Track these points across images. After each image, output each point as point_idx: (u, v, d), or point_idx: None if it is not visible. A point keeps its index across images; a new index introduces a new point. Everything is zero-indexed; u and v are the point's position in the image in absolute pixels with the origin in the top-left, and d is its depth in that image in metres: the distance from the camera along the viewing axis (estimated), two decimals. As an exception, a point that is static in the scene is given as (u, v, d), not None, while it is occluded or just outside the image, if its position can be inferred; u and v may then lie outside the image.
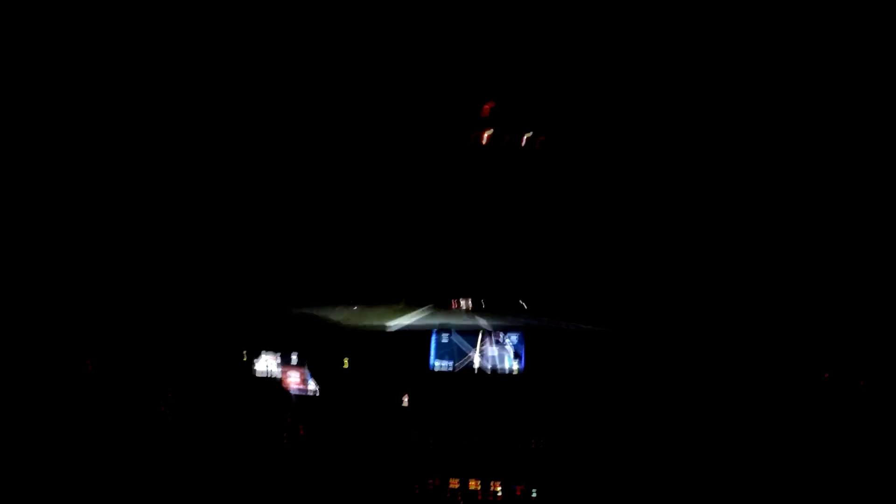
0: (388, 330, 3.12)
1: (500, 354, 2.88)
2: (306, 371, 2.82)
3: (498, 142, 2.29)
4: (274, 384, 2.77)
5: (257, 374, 2.82)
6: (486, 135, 2.23)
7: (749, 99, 2.23)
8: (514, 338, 2.90)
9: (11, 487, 2.06)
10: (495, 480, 2.55)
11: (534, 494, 2.53)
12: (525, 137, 2.26)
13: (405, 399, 2.75)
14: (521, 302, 3.27)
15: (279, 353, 2.85)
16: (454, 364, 2.88)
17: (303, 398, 2.77)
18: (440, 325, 2.97)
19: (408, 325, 3.18)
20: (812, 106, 2.24)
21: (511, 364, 2.86)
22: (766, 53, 2.03)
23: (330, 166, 2.72)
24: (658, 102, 2.21)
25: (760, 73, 2.11)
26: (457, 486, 2.54)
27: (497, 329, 2.93)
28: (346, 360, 2.84)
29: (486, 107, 2.13)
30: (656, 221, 2.80)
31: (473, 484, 2.55)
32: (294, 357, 2.85)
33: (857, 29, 1.98)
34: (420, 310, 3.37)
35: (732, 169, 2.54)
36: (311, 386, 2.80)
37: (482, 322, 3.05)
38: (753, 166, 2.51)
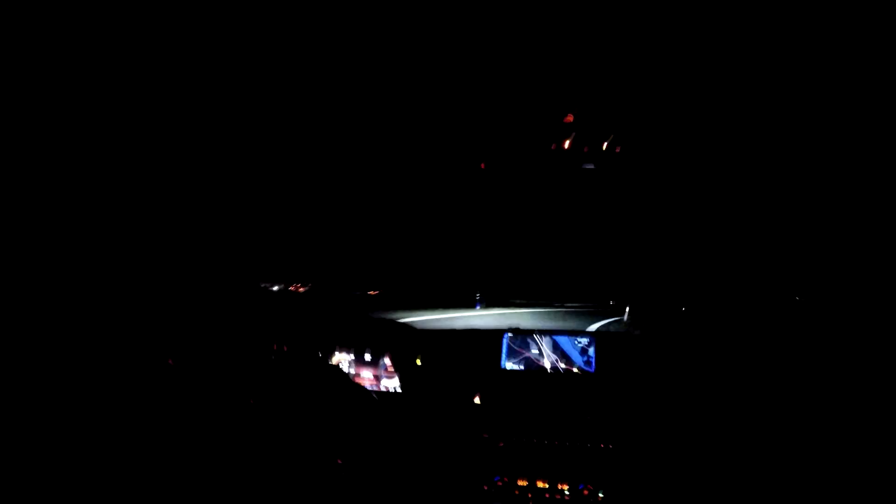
0: (461, 329, 3.18)
1: (571, 356, 2.91)
2: (380, 368, 2.94)
3: (578, 148, 2.27)
4: (348, 381, 2.87)
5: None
6: (567, 142, 2.21)
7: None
8: (584, 340, 2.92)
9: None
10: (563, 481, 2.60)
11: (601, 496, 2.56)
12: (605, 144, 2.24)
13: (476, 398, 2.83)
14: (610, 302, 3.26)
15: (353, 351, 2.98)
16: (525, 365, 2.93)
17: (379, 395, 2.89)
18: (512, 326, 3.01)
19: (480, 326, 3.24)
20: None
21: (582, 366, 2.89)
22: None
23: (408, 167, 2.73)
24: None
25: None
26: (525, 485, 2.61)
27: (568, 331, 2.96)
28: (418, 359, 2.93)
29: (569, 117, 2.11)
30: (740, 230, 2.74)
31: (541, 484, 2.61)
32: (367, 355, 2.97)
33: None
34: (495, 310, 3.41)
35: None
36: (385, 383, 2.92)
37: (554, 324, 3.07)
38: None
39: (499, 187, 2.76)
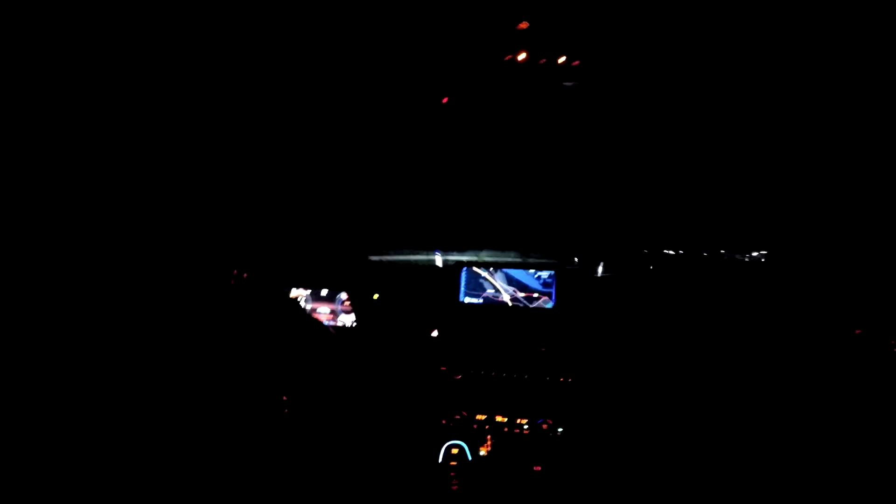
0: (419, 264, 3.10)
1: (530, 290, 2.84)
2: (337, 303, 2.86)
3: (532, 64, 2.12)
4: (306, 316, 2.81)
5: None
6: (520, 56, 2.06)
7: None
8: (545, 274, 2.84)
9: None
10: (522, 416, 2.56)
11: (560, 430, 2.53)
12: (560, 60, 2.08)
13: (434, 332, 2.77)
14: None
15: (309, 286, 2.90)
16: (483, 297, 2.85)
17: (336, 330, 2.83)
18: (470, 260, 2.92)
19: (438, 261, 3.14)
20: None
21: (541, 303, 2.82)
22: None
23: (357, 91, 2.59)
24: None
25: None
26: (483, 419, 2.58)
27: (529, 265, 2.88)
28: (375, 295, 2.86)
29: (522, 25, 1.95)
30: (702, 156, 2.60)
31: (500, 418, 2.57)
32: (324, 291, 2.89)
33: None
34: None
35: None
36: (343, 318, 2.85)
37: (514, 257, 2.98)
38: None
39: (457, 120, 2.63)
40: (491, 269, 2.88)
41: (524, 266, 2.87)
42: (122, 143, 2.62)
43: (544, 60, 2.05)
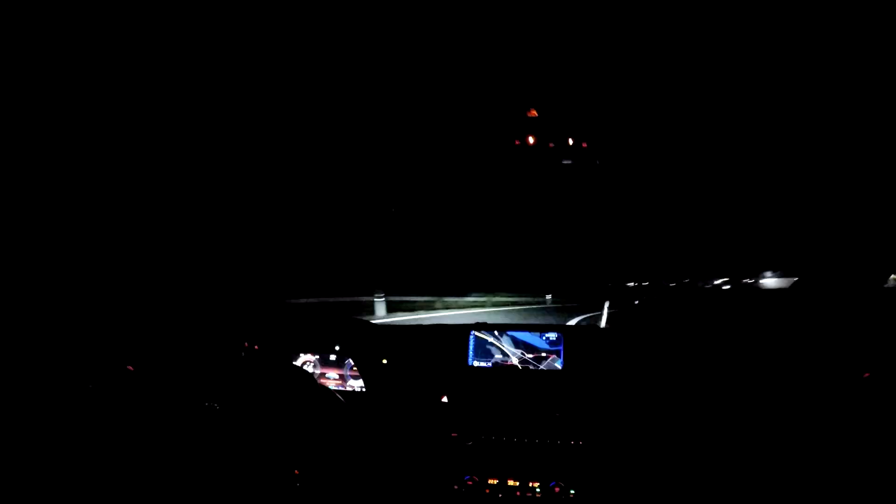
0: (426, 325, 3.14)
1: (538, 353, 2.88)
2: (346, 368, 2.88)
3: (541, 146, 2.23)
4: (313, 382, 2.81)
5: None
6: (530, 139, 2.17)
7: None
8: (553, 336, 2.89)
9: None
10: (533, 479, 2.56)
11: (572, 493, 2.53)
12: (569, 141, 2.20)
13: (444, 398, 2.78)
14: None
15: (318, 351, 2.92)
16: (492, 362, 2.89)
17: (344, 395, 2.83)
18: (477, 323, 2.97)
19: (446, 323, 3.18)
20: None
21: (550, 363, 2.86)
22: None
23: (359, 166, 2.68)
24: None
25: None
26: (495, 483, 2.57)
27: (536, 327, 2.93)
28: (384, 359, 2.88)
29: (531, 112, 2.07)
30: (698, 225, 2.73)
31: (512, 482, 2.56)
32: (332, 356, 2.91)
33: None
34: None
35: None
36: (352, 383, 2.86)
37: (521, 320, 3.02)
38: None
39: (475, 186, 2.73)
40: (496, 332, 2.92)
41: (530, 328, 2.93)
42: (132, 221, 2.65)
43: (552, 145, 2.18)
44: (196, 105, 2.30)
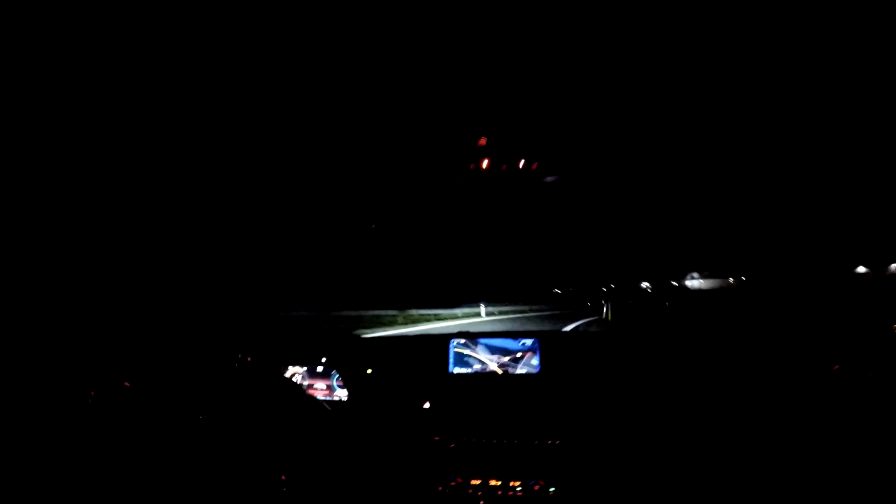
0: (409, 336, 3.25)
1: (513, 354, 3.00)
2: (333, 379, 2.99)
3: (495, 169, 2.37)
4: (302, 392, 2.91)
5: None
6: (484, 163, 2.32)
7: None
8: (528, 341, 3.01)
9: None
10: (515, 479, 2.65)
11: (551, 490, 2.62)
12: (520, 164, 2.35)
13: (426, 404, 2.89)
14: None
15: (306, 365, 3.04)
16: (473, 368, 3.01)
17: (331, 405, 2.94)
18: (458, 332, 3.09)
19: (426, 332, 3.30)
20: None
21: (527, 367, 2.97)
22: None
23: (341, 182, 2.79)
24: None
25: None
26: (478, 483, 2.66)
27: (512, 334, 3.05)
28: (368, 369, 2.99)
29: (482, 141, 2.21)
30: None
31: (494, 482, 2.66)
32: (319, 368, 3.02)
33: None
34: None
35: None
36: (339, 393, 2.97)
37: (497, 327, 3.14)
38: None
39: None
40: (473, 340, 3.04)
41: (505, 335, 3.05)
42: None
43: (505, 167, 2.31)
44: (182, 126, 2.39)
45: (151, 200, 2.75)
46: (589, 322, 12.79)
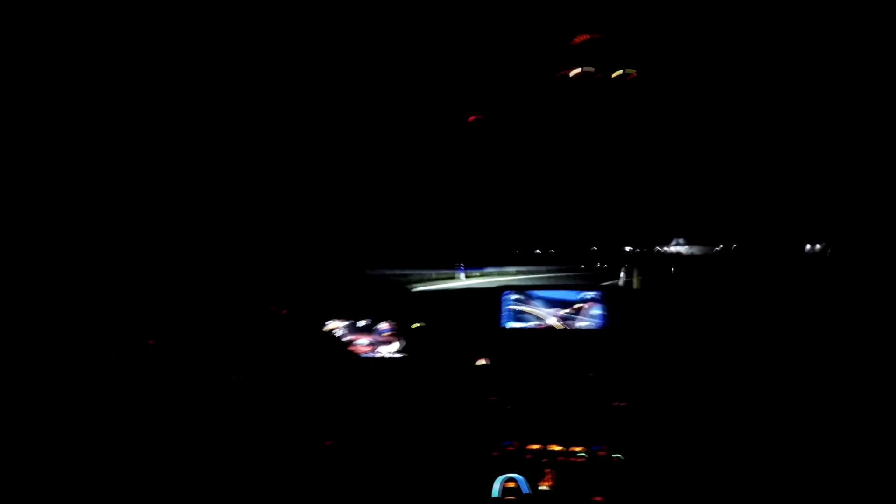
0: (458, 289, 3.03)
1: (575, 309, 2.76)
2: (375, 335, 2.78)
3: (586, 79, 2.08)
4: (344, 348, 2.73)
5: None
6: (573, 72, 2.01)
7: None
8: (591, 294, 2.76)
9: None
10: (576, 444, 2.45)
11: (616, 457, 2.41)
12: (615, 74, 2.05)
13: (480, 360, 2.68)
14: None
15: (347, 317, 2.83)
16: (529, 323, 2.77)
17: (375, 362, 2.75)
18: (509, 283, 2.85)
19: (478, 285, 3.07)
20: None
21: (589, 319, 2.73)
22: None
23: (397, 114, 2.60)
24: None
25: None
26: (537, 449, 2.46)
27: (570, 286, 2.80)
28: (415, 324, 2.78)
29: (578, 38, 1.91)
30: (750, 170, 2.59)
31: (553, 447, 2.46)
32: (362, 322, 2.81)
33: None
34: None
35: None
36: (381, 350, 2.76)
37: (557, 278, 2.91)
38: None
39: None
40: (525, 294, 2.80)
41: (563, 287, 2.81)
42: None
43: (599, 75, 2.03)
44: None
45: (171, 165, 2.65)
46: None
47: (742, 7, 1.90)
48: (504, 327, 2.78)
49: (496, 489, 2.34)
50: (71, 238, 2.44)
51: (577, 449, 2.43)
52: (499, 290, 2.83)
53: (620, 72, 2.03)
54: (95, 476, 2.06)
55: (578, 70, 2.04)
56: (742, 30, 2.00)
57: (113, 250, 2.57)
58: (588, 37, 1.91)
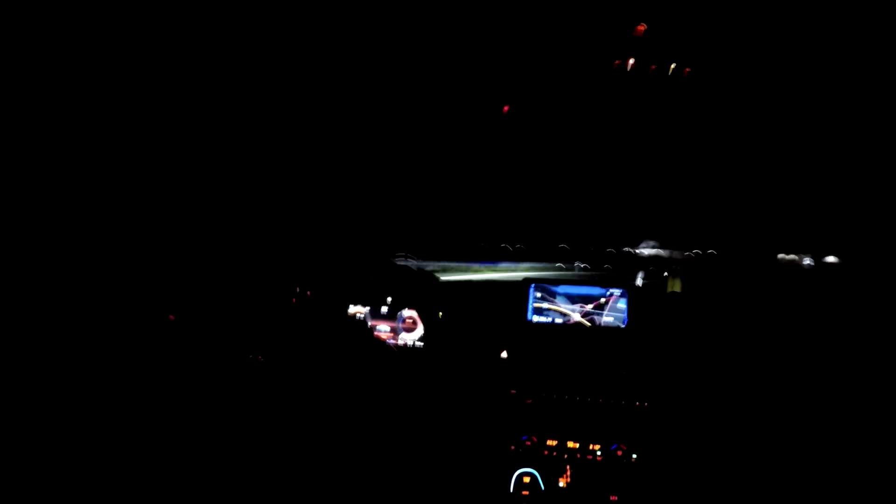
0: (484, 280, 3.01)
1: (599, 304, 2.72)
2: (398, 321, 2.77)
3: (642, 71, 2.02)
4: (366, 335, 2.72)
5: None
6: (630, 62, 1.95)
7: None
8: (616, 292, 2.72)
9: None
10: (595, 442, 2.44)
11: (634, 457, 2.40)
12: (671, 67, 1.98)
13: (503, 354, 2.66)
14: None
15: (368, 305, 2.83)
16: (553, 318, 2.74)
17: (397, 349, 2.74)
18: (538, 276, 2.82)
19: (504, 278, 3.05)
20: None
21: (613, 314, 2.70)
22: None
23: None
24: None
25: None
26: (555, 444, 2.45)
27: (599, 283, 2.76)
28: (440, 313, 2.77)
29: (640, 28, 1.84)
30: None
31: (572, 444, 2.45)
32: (384, 308, 2.80)
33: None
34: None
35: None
36: (403, 337, 2.75)
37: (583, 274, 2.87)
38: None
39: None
40: (550, 289, 2.76)
41: (589, 282, 2.77)
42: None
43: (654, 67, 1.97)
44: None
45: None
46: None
47: (740, 7, 1.88)
48: (530, 321, 2.75)
49: (512, 483, 2.35)
50: (99, 213, 2.45)
51: (595, 447, 2.42)
52: (526, 283, 2.79)
53: (674, 65, 1.96)
54: (112, 453, 2.08)
55: (633, 61, 1.97)
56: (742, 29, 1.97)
57: (142, 229, 2.58)
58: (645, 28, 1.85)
